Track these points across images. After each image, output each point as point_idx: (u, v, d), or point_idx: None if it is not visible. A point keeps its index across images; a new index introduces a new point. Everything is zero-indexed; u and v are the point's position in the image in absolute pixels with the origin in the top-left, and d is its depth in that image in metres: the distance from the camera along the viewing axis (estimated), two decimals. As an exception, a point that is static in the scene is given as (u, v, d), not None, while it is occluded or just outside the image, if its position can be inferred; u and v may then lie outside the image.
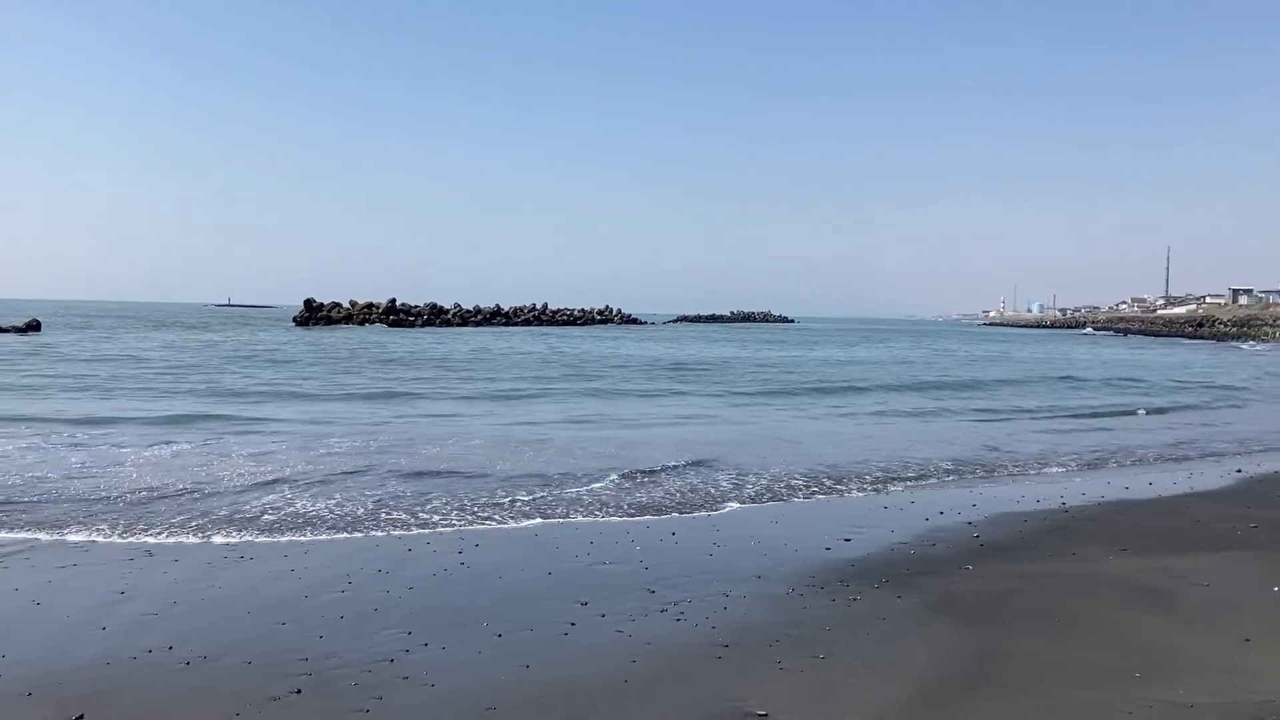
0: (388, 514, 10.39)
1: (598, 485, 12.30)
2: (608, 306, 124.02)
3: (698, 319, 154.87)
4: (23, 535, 9.14)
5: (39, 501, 10.60)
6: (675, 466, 13.77)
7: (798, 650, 6.29)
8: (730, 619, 6.96)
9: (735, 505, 11.31)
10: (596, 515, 10.57)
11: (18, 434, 15.80)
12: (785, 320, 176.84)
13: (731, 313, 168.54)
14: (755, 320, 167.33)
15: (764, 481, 12.83)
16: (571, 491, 11.84)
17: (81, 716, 5.12)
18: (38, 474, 12.23)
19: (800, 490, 12.36)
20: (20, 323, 56.97)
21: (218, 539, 9.19)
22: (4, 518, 9.79)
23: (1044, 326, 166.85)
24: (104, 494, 11.05)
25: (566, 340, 65.09)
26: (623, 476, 12.89)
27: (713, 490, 12.17)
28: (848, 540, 9.42)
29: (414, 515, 10.36)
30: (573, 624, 6.78)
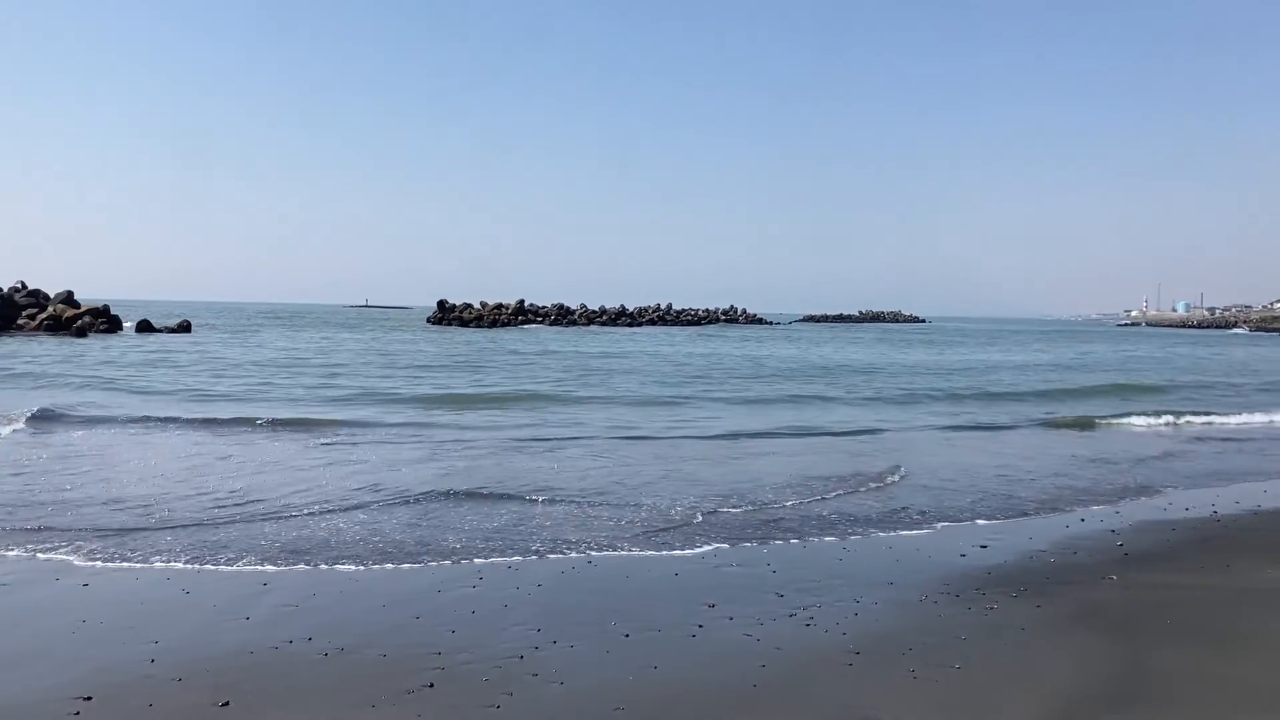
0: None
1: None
2: (732, 306, 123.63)
3: (824, 319, 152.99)
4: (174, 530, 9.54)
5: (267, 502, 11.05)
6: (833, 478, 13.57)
7: (932, 659, 6.11)
8: (861, 625, 6.81)
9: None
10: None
11: (253, 439, 16.54)
12: (916, 320, 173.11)
13: (860, 312, 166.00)
14: (884, 320, 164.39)
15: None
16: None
17: (228, 703, 5.31)
18: (277, 479, 12.77)
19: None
20: (172, 323, 59.95)
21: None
22: (177, 514, 10.24)
23: (1190, 326, 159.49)
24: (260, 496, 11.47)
25: (703, 340, 64.98)
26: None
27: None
28: (983, 547, 9.13)
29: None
30: (700, 626, 6.73)
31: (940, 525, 10.15)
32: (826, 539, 9.44)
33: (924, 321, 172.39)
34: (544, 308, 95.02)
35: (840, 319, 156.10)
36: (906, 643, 6.42)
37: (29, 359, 32.66)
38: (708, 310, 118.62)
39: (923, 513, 10.74)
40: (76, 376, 26.79)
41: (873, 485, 12.39)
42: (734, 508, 10.81)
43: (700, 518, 10.23)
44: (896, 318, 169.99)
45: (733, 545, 9.12)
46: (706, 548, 9.01)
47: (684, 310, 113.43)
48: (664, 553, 8.80)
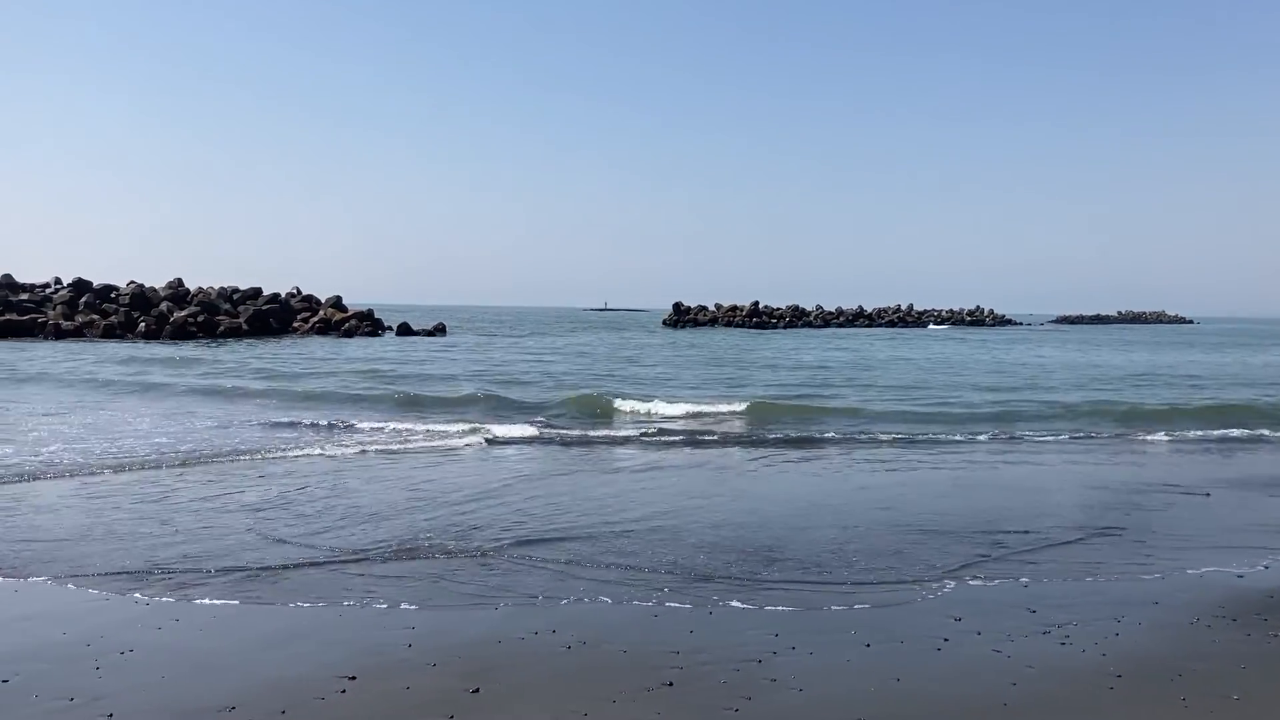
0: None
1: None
2: (978, 307, 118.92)
3: (1079, 320, 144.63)
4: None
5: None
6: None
7: (1205, 687, 5.62)
8: (1123, 646, 6.35)
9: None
10: (969, 525, 10.06)
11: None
12: (1183, 320, 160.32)
13: (1119, 313, 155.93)
14: (1147, 321, 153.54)
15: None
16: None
17: (478, 689, 5.54)
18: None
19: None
20: (429, 326, 63.59)
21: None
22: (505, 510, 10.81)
23: None
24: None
25: (982, 344, 62.91)
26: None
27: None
28: (1265, 567, 8.34)
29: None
30: (945, 639, 6.47)
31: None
32: (1084, 552, 8.88)
33: (1191, 322, 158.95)
34: (779, 309, 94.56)
35: (1097, 320, 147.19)
36: (1175, 668, 5.94)
37: (358, 358, 35.36)
38: (951, 310, 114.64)
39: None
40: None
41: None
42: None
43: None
44: (1160, 318, 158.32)
45: (981, 556, 8.74)
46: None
47: (926, 311, 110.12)
48: (905, 561, 8.54)
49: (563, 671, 5.85)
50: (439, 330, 62.71)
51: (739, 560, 8.47)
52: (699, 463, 14.44)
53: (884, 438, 17.23)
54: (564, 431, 17.55)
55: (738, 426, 18.88)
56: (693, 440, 16.90)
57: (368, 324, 57.85)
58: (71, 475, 12.28)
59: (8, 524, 9.52)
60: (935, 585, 7.75)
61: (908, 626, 6.74)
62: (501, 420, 18.79)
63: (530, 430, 17.31)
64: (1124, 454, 15.89)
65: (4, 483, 11.68)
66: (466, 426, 17.59)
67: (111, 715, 5.14)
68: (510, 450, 15.51)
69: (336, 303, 60.69)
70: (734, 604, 7.19)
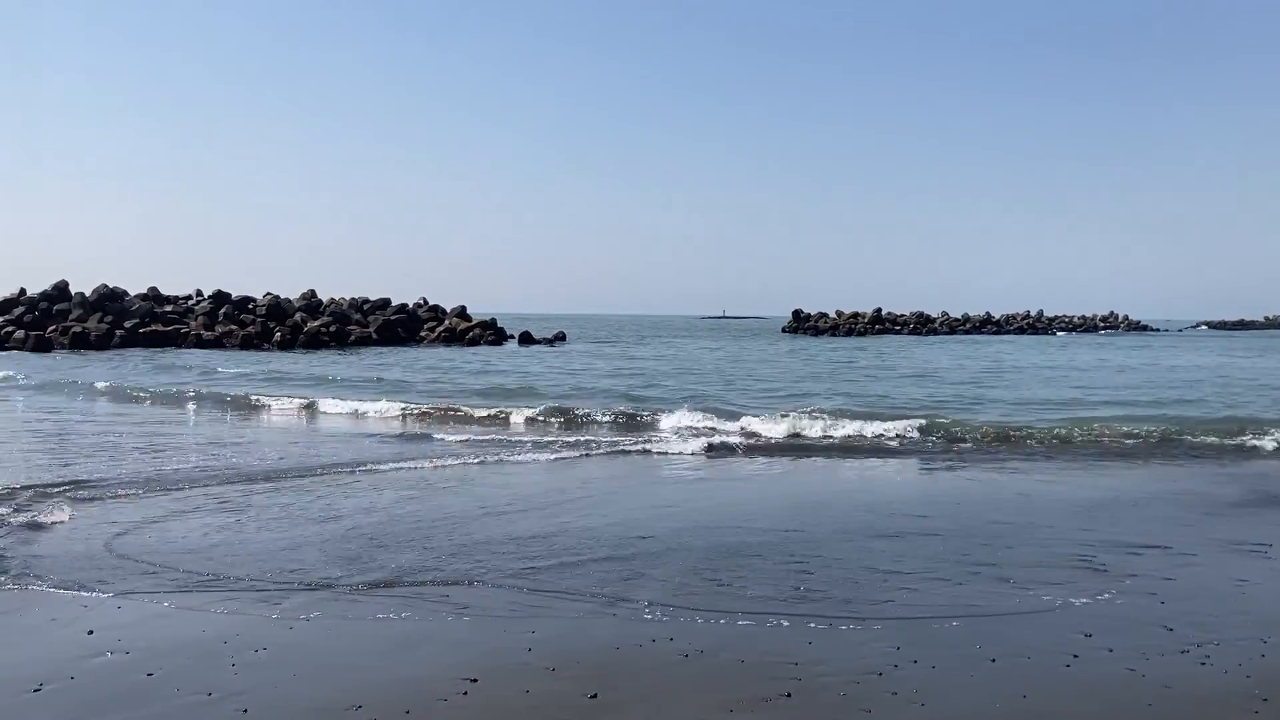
0: (875, 524, 10.29)
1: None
2: (1111, 313, 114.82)
3: (1222, 325, 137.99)
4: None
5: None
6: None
7: (1361, 715, 5.29)
8: (1270, 669, 6.03)
9: None
10: (1101, 538, 9.70)
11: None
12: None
13: (1265, 318, 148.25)
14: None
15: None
16: (1072, 511, 10.98)
17: (596, 695, 5.58)
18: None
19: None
20: (550, 334, 64.52)
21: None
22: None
23: None
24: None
25: (1112, 351, 60.98)
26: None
27: (1243, 518, 10.69)
28: None
29: (901, 527, 10.17)
30: (1075, 656, 6.24)
31: (1369, 560, 8.82)
32: (1229, 568, 8.47)
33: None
34: (902, 315, 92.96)
35: (1240, 325, 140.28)
36: (1328, 693, 5.61)
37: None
38: (1084, 317, 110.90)
39: (1346, 544, 9.37)
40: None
41: (1281, 511, 10.98)
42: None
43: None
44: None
45: (1116, 569, 8.42)
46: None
47: (1056, 317, 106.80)
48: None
49: (680, 679, 5.85)
50: (559, 338, 63.56)
51: (857, 572, 8.33)
52: (867, 476, 14.28)
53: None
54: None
55: (904, 437, 18.59)
56: (874, 452, 16.76)
57: (491, 333, 58.99)
58: (245, 480, 12.81)
59: (177, 524, 10.00)
60: (1065, 599, 7.49)
61: (1035, 641, 6.53)
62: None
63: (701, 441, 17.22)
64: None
65: (292, 476, 12.26)
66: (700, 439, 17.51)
67: (246, 710, 5.34)
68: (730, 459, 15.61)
69: (461, 312, 62.13)
70: (855, 615, 7.08)
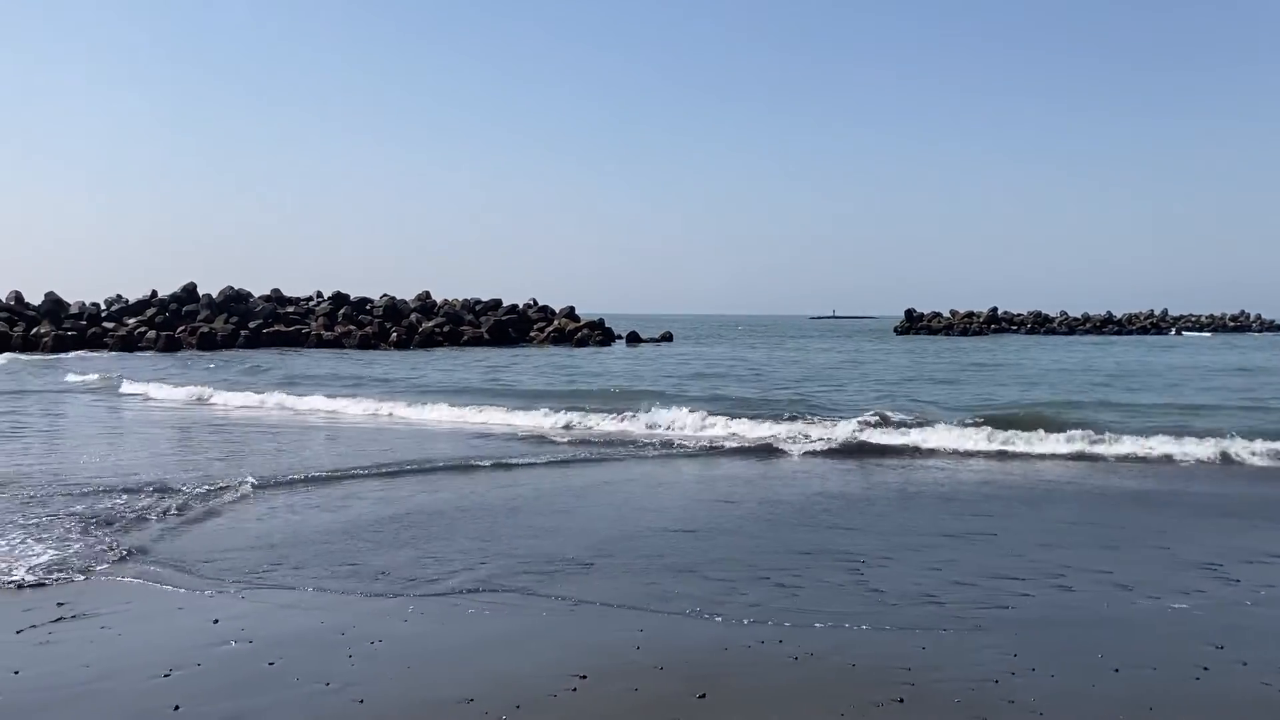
0: (990, 528, 10.02)
1: None
2: (1243, 311, 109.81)
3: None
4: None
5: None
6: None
7: None
8: None
9: None
10: (1233, 546, 9.27)
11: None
12: None
13: None
14: None
15: None
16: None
17: (705, 695, 5.55)
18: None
19: None
20: (656, 334, 64.71)
21: (823, 540, 9.51)
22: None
23: None
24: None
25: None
26: None
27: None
28: None
29: (1018, 531, 9.87)
30: (1205, 668, 5.98)
31: None
32: (1369, 580, 8.02)
33: None
34: (1019, 315, 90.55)
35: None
36: None
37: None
38: (1211, 316, 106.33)
39: None
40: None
41: None
42: (1246, 537, 9.52)
43: (1204, 546, 9.13)
44: None
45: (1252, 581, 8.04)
46: (1212, 580, 8.02)
47: (1182, 316, 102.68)
48: (1160, 582, 7.96)
49: (789, 682, 5.78)
50: (666, 338, 63.68)
51: (977, 578, 8.12)
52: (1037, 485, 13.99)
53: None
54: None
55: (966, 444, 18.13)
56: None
57: (599, 333, 59.42)
58: (367, 476, 13.16)
59: (309, 516, 10.33)
60: (1194, 608, 7.18)
61: (1161, 652, 6.27)
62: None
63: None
64: None
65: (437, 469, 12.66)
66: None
67: (362, 701, 5.47)
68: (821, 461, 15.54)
69: (570, 313, 62.75)
70: (972, 620, 6.91)
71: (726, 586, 7.77)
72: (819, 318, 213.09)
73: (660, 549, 9.02)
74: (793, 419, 18.62)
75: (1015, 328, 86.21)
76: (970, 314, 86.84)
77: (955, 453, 15.88)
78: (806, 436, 17.01)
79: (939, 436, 16.77)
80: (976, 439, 16.45)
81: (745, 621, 6.88)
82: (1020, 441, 16.17)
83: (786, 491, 12.32)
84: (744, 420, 18.53)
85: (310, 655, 6.18)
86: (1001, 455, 15.67)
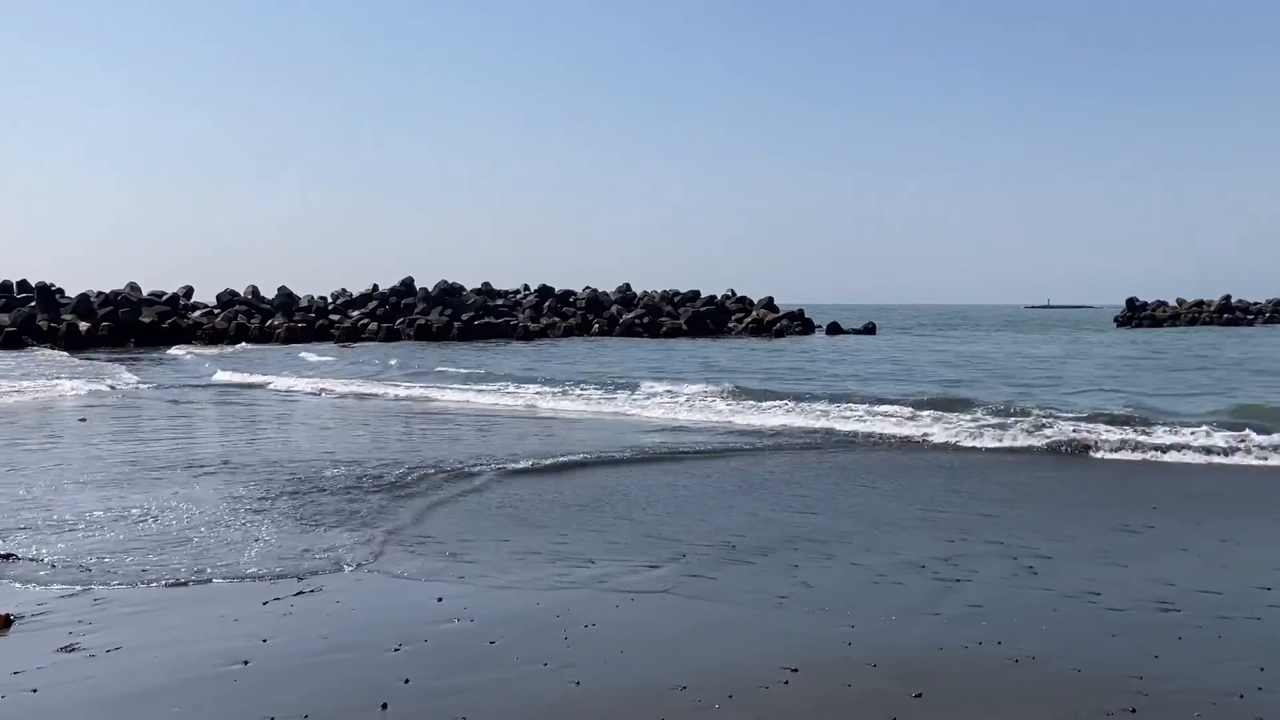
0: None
1: None
2: None
3: None
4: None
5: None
6: None
7: None
8: None
9: None
10: None
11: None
12: None
13: None
14: None
15: None
16: None
17: (921, 694, 5.42)
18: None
19: None
20: (858, 325, 63.52)
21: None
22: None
23: None
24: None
25: None
26: None
27: None
28: None
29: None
30: None
31: None
32: None
33: None
34: (1256, 304, 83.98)
35: None
36: None
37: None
38: None
39: None
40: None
41: None
42: None
43: None
44: None
45: None
46: None
47: None
48: None
49: (1009, 686, 5.57)
50: (868, 330, 62.40)
51: (1222, 586, 7.61)
52: None
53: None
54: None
55: None
56: None
57: (798, 324, 58.95)
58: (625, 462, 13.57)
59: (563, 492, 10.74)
60: None
61: None
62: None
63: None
64: None
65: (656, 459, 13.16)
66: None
67: (579, 683, 5.62)
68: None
69: (768, 303, 62.46)
70: (1211, 630, 6.47)
71: (943, 586, 7.56)
72: (1035, 307, 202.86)
73: (892, 544, 8.87)
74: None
75: (1251, 317, 79.98)
76: (1200, 303, 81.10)
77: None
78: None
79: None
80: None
81: (963, 621, 6.68)
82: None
83: (1067, 494, 11.87)
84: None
85: (528, 636, 6.40)
86: None
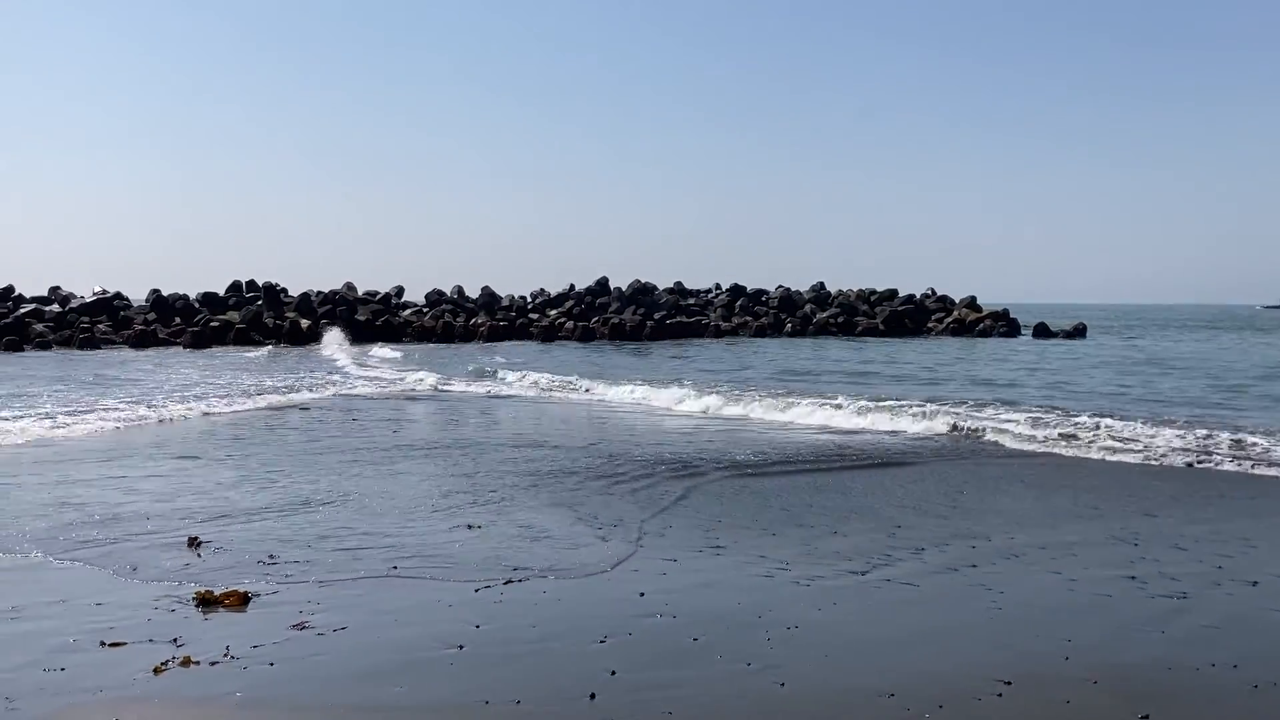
0: None
1: None
2: None
3: None
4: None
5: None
6: None
7: None
8: None
9: None
10: None
11: None
12: None
13: None
14: None
15: None
16: None
17: (1147, 716, 5.12)
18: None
19: None
20: (1068, 326, 60.47)
21: None
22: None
23: None
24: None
25: None
26: None
27: None
28: None
29: None
30: None
31: None
32: None
33: None
34: None
35: None
36: None
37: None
38: None
39: None
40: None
41: None
42: None
43: None
44: None
45: None
46: None
47: None
48: None
49: (1247, 713, 5.20)
50: (1078, 331, 59.35)
51: None
52: None
53: None
54: None
55: None
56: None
57: (1003, 324, 56.69)
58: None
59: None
60: None
61: None
62: None
63: None
64: None
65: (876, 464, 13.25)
66: None
67: (784, 685, 5.58)
68: None
69: (970, 303, 60.37)
70: None
71: (1169, 604, 7.12)
72: (1274, 307, 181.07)
73: (1104, 558, 8.45)
74: None
75: None
76: None
77: None
78: None
79: None
80: None
81: (1194, 641, 6.28)
82: None
83: None
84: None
85: (730, 635, 6.40)
86: None
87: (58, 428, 16.39)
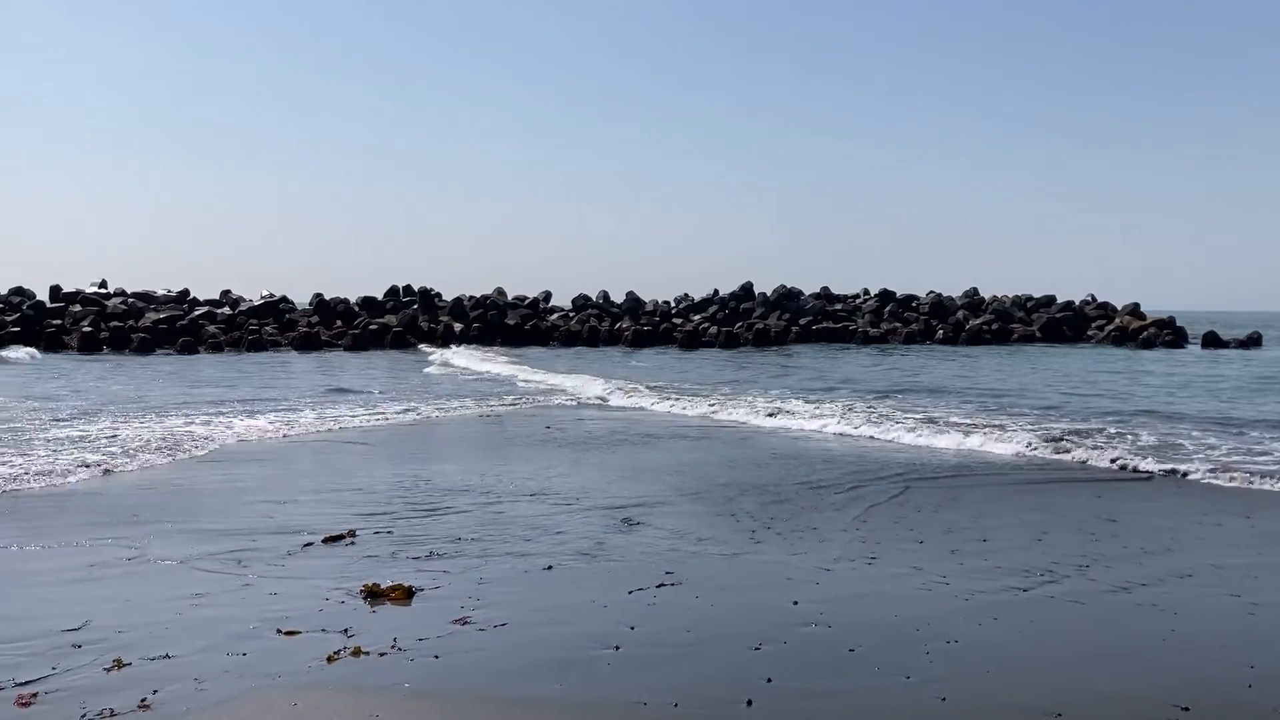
0: None
1: None
2: None
3: None
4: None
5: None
6: None
7: None
8: None
9: None
10: None
11: None
12: None
13: None
14: None
15: None
16: None
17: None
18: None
19: None
20: (1241, 335, 57.09)
21: None
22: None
23: None
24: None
25: None
26: None
27: None
28: None
29: None
30: None
31: None
32: None
33: None
34: None
35: None
36: None
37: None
38: None
39: None
40: None
41: None
42: None
43: None
44: None
45: None
46: None
47: None
48: None
49: None
50: (1253, 341, 56.01)
51: None
52: None
53: None
54: None
55: None
56: None
57: (1168, 333, 53.99)
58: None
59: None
60: None
61: None
62: None
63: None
64: None
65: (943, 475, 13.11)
66: None
67: (945, 699, 5.47)
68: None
69: (1134, 310, 57.79)
70: None
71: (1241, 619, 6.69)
72: None
73: None
74: None
75: None
76: None
77: None
78: None
79: None
80: None
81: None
82: None
83: None
84: None
85: (887, 646, 6.31)
86: None
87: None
